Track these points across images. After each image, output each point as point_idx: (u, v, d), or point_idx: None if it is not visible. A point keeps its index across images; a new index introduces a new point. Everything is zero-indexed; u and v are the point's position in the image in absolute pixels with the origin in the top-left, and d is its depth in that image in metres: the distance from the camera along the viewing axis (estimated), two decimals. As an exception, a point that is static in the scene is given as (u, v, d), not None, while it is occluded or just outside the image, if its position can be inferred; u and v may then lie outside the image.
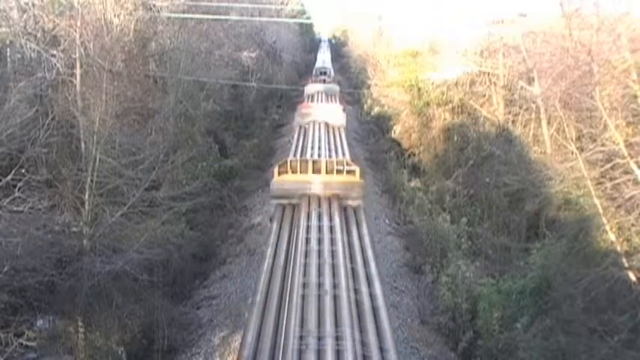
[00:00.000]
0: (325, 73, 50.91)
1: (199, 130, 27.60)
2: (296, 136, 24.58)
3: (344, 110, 28.88)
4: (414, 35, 37.59)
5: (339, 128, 25.47)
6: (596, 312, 14.50)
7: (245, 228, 23.87)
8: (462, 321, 17.10)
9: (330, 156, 19.70)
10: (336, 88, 40.33)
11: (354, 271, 11.33)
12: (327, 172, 15.59)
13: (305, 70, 61.05)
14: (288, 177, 15.48)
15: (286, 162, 15.82)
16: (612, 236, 16.17)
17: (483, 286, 17.89)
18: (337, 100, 35.01)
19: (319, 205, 14.26)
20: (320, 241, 12.11)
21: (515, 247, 21.68)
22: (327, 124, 25.41)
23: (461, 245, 21.22)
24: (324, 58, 67.78)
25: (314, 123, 25.48)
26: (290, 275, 10.93)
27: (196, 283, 20.10)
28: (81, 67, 18.86)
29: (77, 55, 18.98)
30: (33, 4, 20.46)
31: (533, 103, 26.88)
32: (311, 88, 39.32)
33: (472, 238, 22.19)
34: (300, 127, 25.68)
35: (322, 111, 27.96)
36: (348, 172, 15.61)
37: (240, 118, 36.66)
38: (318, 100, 34.35)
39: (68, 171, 16.72)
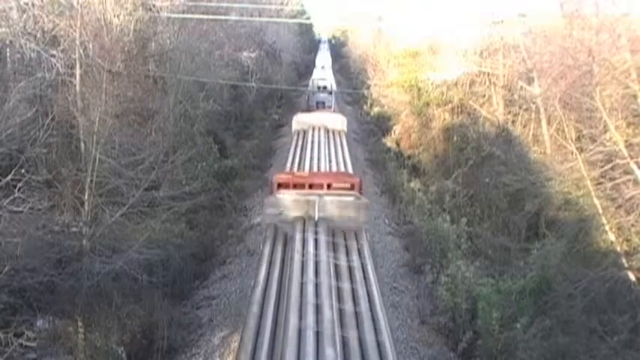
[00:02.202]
0: (325, 89, 36.10)
1: (199, 130, 27.59)
2: (262, 272, 11.02)
3: (360, 192, 14.64)
4: (413, 35, 37.62)
5: (356, 236, 12.51)
6: (596, 312, 14.53)
7: (245, 228, 23.86)
8: (462, 321, 17.08)
9: None
10: (342, 120, 25.14)
11: None
12: None
13: (305, 71, 60.73)
14: None
15: None
16: (612, 236, 16.22)
17: (483, 286, 17.87)
18: (346, 149, 21.11)
19: None
20: None
21: (515, 247, 21.69)
22: (331, 227, 12.52)
23: (461, 245, 21.20)
24: (323, 64, 51.96)
25: (304, 223, 12.50)
26: None
27: (196, 283, 20.10)
28: (81, 67, 18.84)
29: (77, 55, 18.96)
30: (33, 4, 20.44)
31: (533, 103, 26.93)
32: (302, 120, 24.71)
33: (472, 239, 22.18)
34: (275, 233, 12.62)
35: (321, 194, 13.42)
36: None
37: (240, 118, 36.67)
38: (312, 152, 20.05)
39: (68, 171, 16.72)
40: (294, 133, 23.90)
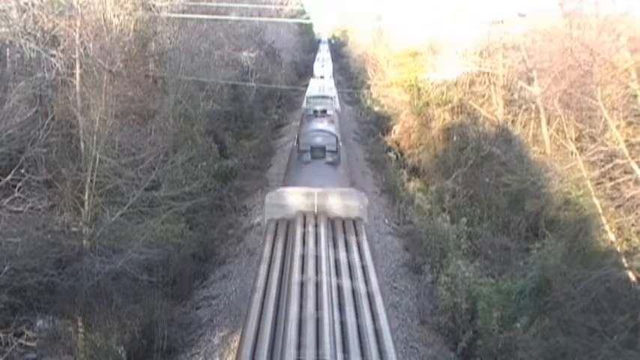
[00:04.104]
0: (325, 113, 24.83)
1: (199, 130, 27.59)
2: None
3: None
4: (413, 35, 37.58)
5: None
6: (596, 312, 14.50)
7: (245, 228, 23.87)
8: (462, 321, 17.10)
9: None
10: (359, 199, 12.60)
11: None
12: None
13: (305, 71, 60.55)
14: None
15: None
16: (612, 236, 16.20)
17: (483, 286, 17.89)
18: (380, 304, 8.84)
19: None
20: None
21: (515, 247, 21.68)
22: None
23: (460, 245, 21.21)
24: (322, 72, 43.71)
25: None
26: None
27: (196, 283, 20.11)
28: (81, 67, 18.83)
29: (77, 55, 18.96)
30: (32, 4, 20.41)
31: (533, 103, 26.91)
32: (281, 201, 12.52)
33: (472, 238, 22.18)
34: None
35: None
36: None
37: (240, 118, 36.69)
38: (302, 315, 8.07)
39: (68, 171, 16.72)
40: (266, 230, 12.07)
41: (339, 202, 12.56)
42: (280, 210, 12.51)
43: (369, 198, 14.21)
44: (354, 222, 12.09)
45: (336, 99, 30.39)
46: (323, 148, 18.00)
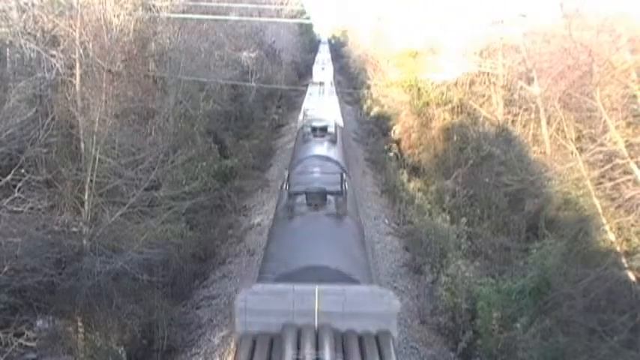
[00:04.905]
0: (325, 131, 20.25)
1: (199, 130, 27.61)
2: None
3: None
4: (413, 35, 37.55)
5: None
6: (596, 312, 14.51)
7: (245, 228, 23.90)
8: (462, 321, 17.12)
9: None
10: (384, 304, 8.16)
11: None
12: None
13: (305, 71, 60.57)
14: None
15: None
16: (612, 236, 16.19)
17: (483, 285, 17.89)
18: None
19: None
20: None
21: (514, 247, 21.68)
22: None
23: (460, 245, 21.22)
24: (322, 77, 38.96)
25: None
26: None
27: (196, 283, 20.12)
28: (80, 67, 18.83)
29: (77, 55, 18.95)
30: (32, 4, 20.43)
31: (533, 103, 26.92)
32: (260, 305, 7.71)
33: (472, 238, 22.20)
34: None
35: None
36: None
37: (240, 118, 36.71)
38: None
39: (68, 171, 16.73)
40: (236, 354, 7.48)
41: (354, 306, 7.96)
42: (260, 319, 7.81)
43: (397, 292, 9.86)
44: (377, 341, 7.63)
45: (339, 111, 26.22)
46: (323, 194, 12.46)
